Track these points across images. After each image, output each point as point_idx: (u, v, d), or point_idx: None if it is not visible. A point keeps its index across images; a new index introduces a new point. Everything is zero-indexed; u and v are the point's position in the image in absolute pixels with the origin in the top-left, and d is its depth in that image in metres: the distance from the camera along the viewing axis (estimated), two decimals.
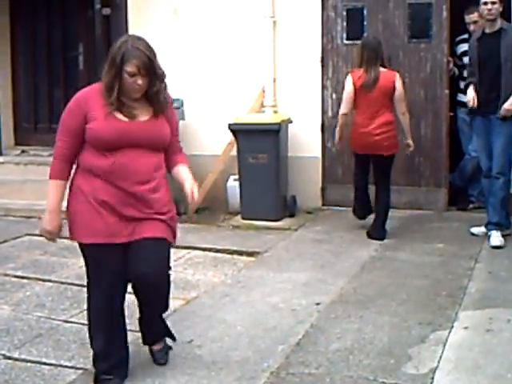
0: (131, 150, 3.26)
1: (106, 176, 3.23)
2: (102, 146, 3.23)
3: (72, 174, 3.36)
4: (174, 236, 3.53)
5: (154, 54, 3.29)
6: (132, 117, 3.29)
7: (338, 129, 6.05)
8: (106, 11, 7.44)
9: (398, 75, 5.87)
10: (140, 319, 3.59)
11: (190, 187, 3.46)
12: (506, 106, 5.47)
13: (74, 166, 3.36)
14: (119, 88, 3.22)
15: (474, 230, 5.93)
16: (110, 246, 3.27)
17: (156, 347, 3.63)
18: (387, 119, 5.82)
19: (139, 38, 3.30)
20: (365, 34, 6.89)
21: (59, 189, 3.32)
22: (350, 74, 5.93)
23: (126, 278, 3.35)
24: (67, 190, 3.36)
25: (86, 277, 3.44)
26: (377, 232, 5.88)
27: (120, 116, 3.26)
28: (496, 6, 5.47)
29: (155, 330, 3.63)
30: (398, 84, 5.80)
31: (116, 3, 7.36)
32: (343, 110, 5.94)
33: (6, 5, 8.22)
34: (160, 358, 3.61)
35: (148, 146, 3.32)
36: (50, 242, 3.45)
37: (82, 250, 3.37)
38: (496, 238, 5.58)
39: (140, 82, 3.24)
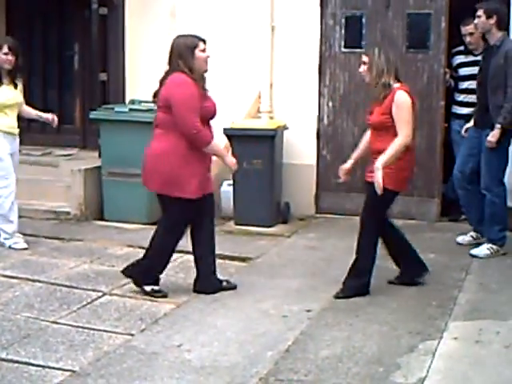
0: None
1: None
2: None
3: None
4: None
5: None
6: None
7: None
8: (103, 11, 7.42)
9: None
10: None
11: None
12: (489, 138, 5.41)
13: None
14: None
15: (459, 239, 5.95)
16: None
17: None
18: None
19: None
20: (363, 43, 6.91)
21: None
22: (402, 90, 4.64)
23: None
24: None
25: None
26: None
27: None
28: (481, 19, 5.45)
29: None
30: None
31: (113, 3, 7.34)
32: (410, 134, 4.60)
33: (2, 3, 8.20)
34: None
35: None
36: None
37: None
38: (482, 250, 5.60)
39: None
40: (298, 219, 6.91)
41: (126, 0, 7.40)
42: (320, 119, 7.08)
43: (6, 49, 5.65)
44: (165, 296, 4.61)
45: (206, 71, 4.65)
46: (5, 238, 5.75)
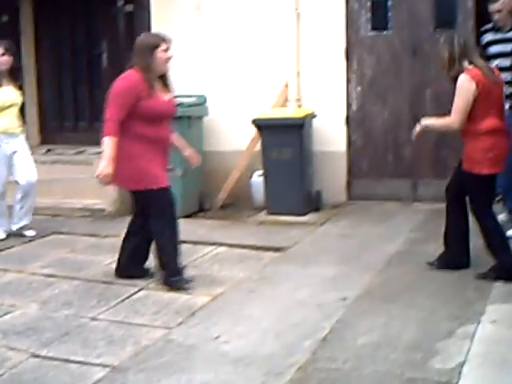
0: None
1: None
2: None
3: None
4: None
5: None
6: None
7: None
8: (129, 8, 7.47)
9: None
10: None
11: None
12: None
13: None
14: None
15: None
16: None
17: None
18: None
19: None
20: (389, 25, 6.84)
21: None
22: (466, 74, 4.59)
23: None
24: None
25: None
26: None
27: None
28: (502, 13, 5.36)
29: None
30: None
31: (139, 0, 7.37)
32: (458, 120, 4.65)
33: (29, 3, 8.29)
34: None
35: None
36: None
37: None
38: None
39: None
40: (330, 207, 6.89)
41: None
42: (349, 105, 7.04)
43: (1, 50, 5.77)
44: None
45: (166, 72, 4.64)
46: None
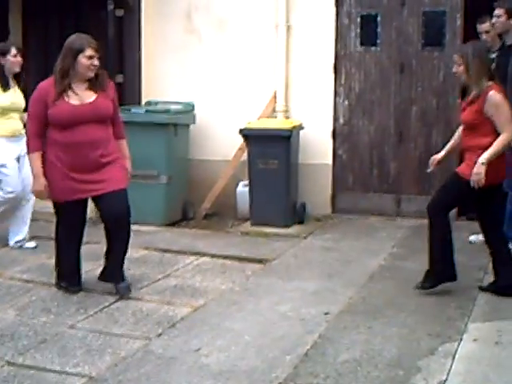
0: None
1: None
2: None
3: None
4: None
5: None
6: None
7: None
8: (119, 12, 7.42)
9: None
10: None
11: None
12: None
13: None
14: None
15: (472, 237, 5.88)
16: None
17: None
18: None
19: None
20: (378, 41, 6.87)
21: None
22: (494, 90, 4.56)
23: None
24: None
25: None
26: None
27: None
28: (501, 19, 5.38)
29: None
30: None
31: (129, 5, 7.34)
32: None
33: (18, 5, 8.23)
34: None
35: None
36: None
37: None
38: None
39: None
40: (315, 219, 6.88)
41: (142, 1, 7.41)
42: (336, 118, 7.05)
43: (14, 50, 5.70)
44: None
45: (89, 77, 4.52)
46: None
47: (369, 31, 6.96)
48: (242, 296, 4.75)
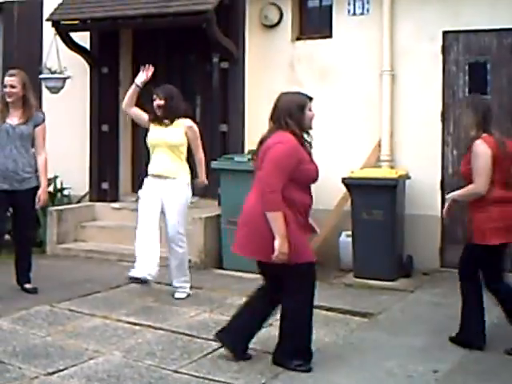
0: None
1: None
2: None
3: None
4: None
5: None
6: None
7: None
8: (225, 65, 7.59)
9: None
10: None
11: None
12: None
13: None
14: None
15: None
16: None
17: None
18: None
19: None
20: (488, 89, 6.67)
21: None
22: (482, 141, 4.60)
23: None
24: None
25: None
26: None
27: None
28: None
29: None
30: None
31: (234, 58, 7.50)
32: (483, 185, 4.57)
33: (128, 55, 8.57)
34: None
35: None
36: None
37: None
38: None
39: None
40: (422, 273, 6.64)
41: (246, 54, 7.57)
42: (444, 168, 6.84)
43: (157, 99, 6.01)
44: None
45: (310, 129, 4.54)
46: None
47: (478, 79, 6.78)
48: (346, 350, 4.61)
